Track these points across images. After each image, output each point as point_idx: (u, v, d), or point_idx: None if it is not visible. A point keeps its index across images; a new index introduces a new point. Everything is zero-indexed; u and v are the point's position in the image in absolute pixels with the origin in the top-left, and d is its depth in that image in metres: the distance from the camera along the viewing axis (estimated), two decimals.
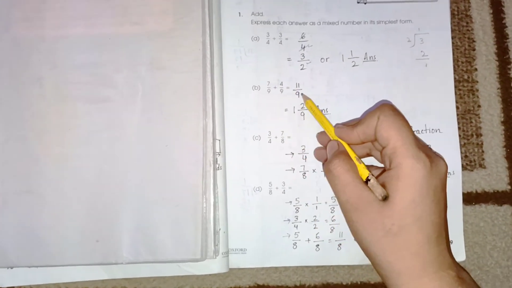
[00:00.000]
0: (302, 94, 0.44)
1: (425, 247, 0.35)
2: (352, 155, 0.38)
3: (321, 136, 0.43)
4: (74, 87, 0.43)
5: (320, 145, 0.44)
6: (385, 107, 0.37)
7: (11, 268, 0.41)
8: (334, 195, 0.38)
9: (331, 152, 0.39)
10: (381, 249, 0.35)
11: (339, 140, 0.40)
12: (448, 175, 0.43)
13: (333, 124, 0.42)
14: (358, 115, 0.44)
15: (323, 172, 0.44)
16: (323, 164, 0.43)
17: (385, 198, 0.35)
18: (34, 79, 0.43)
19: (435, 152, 0.37)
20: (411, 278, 0.34)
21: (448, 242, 0.36)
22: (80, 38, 0.43)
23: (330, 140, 0.41)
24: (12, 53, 0.43)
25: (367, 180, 0.36)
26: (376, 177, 0.37)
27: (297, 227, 0.43)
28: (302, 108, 0.44)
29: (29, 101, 0.42)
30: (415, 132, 0.44)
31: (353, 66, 0.45)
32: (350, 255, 0.43)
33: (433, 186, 0.35)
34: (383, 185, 0.36)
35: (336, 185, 0.37)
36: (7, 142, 0.42)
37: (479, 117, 0.46)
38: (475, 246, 0.44)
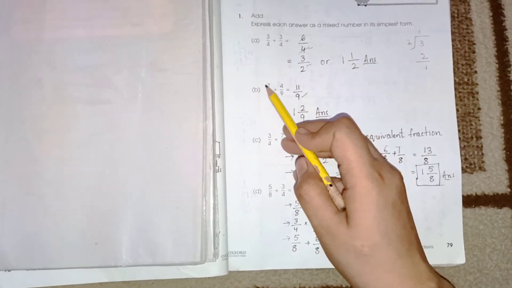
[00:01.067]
0: (266, 86, 0.44)
1: (398, 262, 0.34)
2: (317, 162, 0.39)
3: (287, 130, 0.42)
4: (74, 89, 0.42)
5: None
6: (341, 124, 0.36)
7: (9, 271, 0.41)
8: (308, 218, 0.38)
9: (300, 173, 0.39)
10: (356, 270, 0.35)
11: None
12: (448, 178, 0.43)
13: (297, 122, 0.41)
14: (358, 117, 0.43)
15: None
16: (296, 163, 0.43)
17: (344, 209, 0.36)
18: (34, 80, 0.42)
19: (389, 165, 0.37)
20: None
21: (422, 252, 0.36)
22: (80, 40, 0.43)
23: (298, 156, 0.41)
24: (12, 54, 0.43)
25: (329, 186, 0.37)
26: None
27: (296, 229, 0.43)
28: (302, 110, 0.44)
29: (29, 103, 0.42)
30: (415, 135, 0.44)
31: (353, 68, 0.45)
32: None
33: (391, 200, 0.35)
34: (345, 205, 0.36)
35: (308, 209, 0.37)
36: (6, 144, 0.42)
37: (479, 120, 0.46)
38: (475, 249, 0.44)
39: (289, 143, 0.42)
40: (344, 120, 0.37)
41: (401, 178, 0.37)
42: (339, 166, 0.37)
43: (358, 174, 0.35)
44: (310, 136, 0.39)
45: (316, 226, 0.37)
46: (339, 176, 0.39)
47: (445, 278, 0.36)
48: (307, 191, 0.37)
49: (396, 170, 0.37)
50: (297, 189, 0.38)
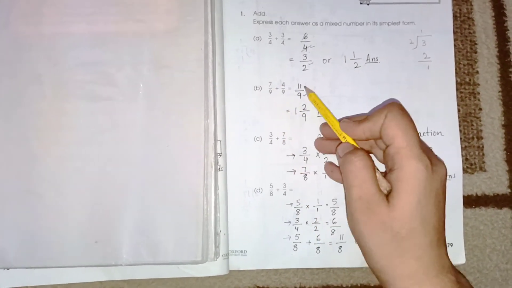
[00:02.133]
0: (305, 87, 0.44)
1: (427, 250, 0.35)
2: None
3: (325, 127, 0.42)
4: (75, 86, 0.42)
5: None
6: (394, 106, 0.37)
7: (8, 269, 0.41)
8: (346, 190, 0.37)
9: (345, 151, 0.38)
10: (387, 252, 0.35)
11: (345, 135, 0.39)
12: (448, 178, 0.43)
13: (338, 119, 0.41)
14: None
15: (324, 174, 0.43)
16: (325, 165, 0.43)
17: (389, 193, 0.35)
18: (34, 76, 0.42)
19: (436, 156, 0.37)
20: (414, 282, 0.34)
21: (446, 246, 0.36)
22: (81, 36, 0.43)
23: (338, 138, 0.40)
24: (12, 50, 0.42)
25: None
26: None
27: (297, 229, 0.43)
28: (304, 109, 0.44)
29: (29, 99, 0.42)
30: None
31: (356, 67, 0.45)
32: (351, 257, 0.43)
33: (435, 189, 0.35)
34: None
35: (354, 179, 0.36)
36: (6, 141, 0.41)
37: (480, 120, 0.46)
38: (475, 249, 0.44)
39: (325, 142, 0.42)
40: (396, 104, 0.37)
41: (446, 170, 0.37)
42: (387, 147, 0.36)
43: (409, 155, 0.35)
44: (356, 123, 0.38)
45: (356, 198, 0.36)
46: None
47: (462, 274, 0.37)
48: (361, 158, 0.36)
49: (442, 161, 0.37)
50: (350, 154, 0.37)
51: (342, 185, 0.43)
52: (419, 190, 0.34)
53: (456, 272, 0.36)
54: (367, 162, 0.36)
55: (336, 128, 0.40)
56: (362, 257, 0.42)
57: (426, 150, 0.36)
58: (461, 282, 0.35)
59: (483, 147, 0.45)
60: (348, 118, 0.42)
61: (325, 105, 0.42)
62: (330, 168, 0.43)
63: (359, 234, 0.36)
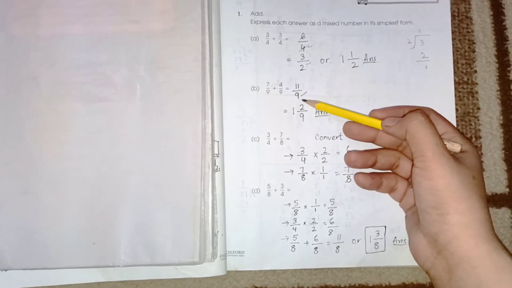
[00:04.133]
0: (304, 100, 0.44)
1: (486, 208, 0.36)
2: None
3: (349, 126, 0.43)
4: (72, 86, 0.42)
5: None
6: (416, 113, 0.38)
7: (6, 270, 0.41)
8: (412, 148, 0.38)
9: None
10: (459, 196, 0.35)
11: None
12: None
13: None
14: None
15: (322, 174, 0.43)
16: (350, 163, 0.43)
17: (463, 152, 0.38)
18: (31, 77, 0.42)
19: (467, 143, 0.39)
20: (484, 233, 0.35)
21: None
22: (78, 37, 0.42)
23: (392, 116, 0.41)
24: (8, 51, 0.42)
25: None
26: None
27: (295, 229, 0.43)
28: (301, 109, 0.44)
29: (26, 100, 0.42)
30: None
31: (353, 67, 0.45)
32: (348, 257, 0.43)
33: (467, 176, 0.36)
34: None
35: (421, 132, 0.37)
36: (3, 142, 0.41)
37: (478, 120, 0.45)
38: None
39: (354, 126, 0.43)
40: (419, 112, 0.39)
41: (476, 159, 0.38)
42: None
43: (436, 150, 0.36)
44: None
45: (430, 145, 0.36)
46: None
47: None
48: (425, 115, 0.38)
49: (472, 148, 0.39)
50: (413, 113, 0.38)
51: (339, 185, 0.43)
52: (455, 185, 0.35)
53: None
54: (428, 118, 0.38)
55: (362, 120, 0.41)
56: (360, 257, 0.43)
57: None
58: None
59: (481, 146, 0.45)
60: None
61: (337, 107, 0.42)
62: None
63: (431, 183, 0.36)
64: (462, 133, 0.40)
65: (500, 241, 0.35)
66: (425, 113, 0.39)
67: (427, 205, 0.37)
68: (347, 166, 0.43)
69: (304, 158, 0.44)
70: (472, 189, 0.36)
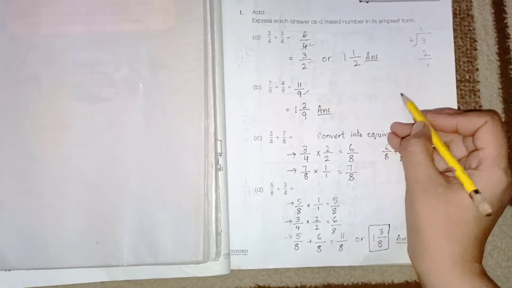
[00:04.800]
0: (402, 94, 0.44)
1: (470, 242, 0.37)
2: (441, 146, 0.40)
3: (398, 126, 0.43)
4: (73, 86, 0.42)
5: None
6: (496, 115, 0.39)
7: (9, 270, 0.40)
8: (404, 172, 0.40)
9: (414, 132, 0.41)
10: (436, 232, 0.37)
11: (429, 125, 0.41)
12: None
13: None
14: (361, 114, 0.44)
15: (325, 172, 0.43)
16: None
17: (489, 215, 0.36)
18: (31, 77, 0.42)
19: None
20: (453, 263, 0.37)
21: (482, 255, 0.39)
22: (79, 36, 0.42)
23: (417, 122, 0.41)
24: (9, 51, 0.42)
25: (476, 192, 0.36)
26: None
27: (298, 228, 0.43)
28: (303, 107, 0.44)
29: (26, 100, 0.41)
30: None
31: (355, 65, 0.45)
32: (352, 256, 0.43)
33: (503, 199, 0.37)
34: None
35: (408, 162, 0.39)
36: (4, 142, 0.41)
37: None
38: None
39: (397, 139, 0.43)
40: (498, 114, 0.40)
41: None
42: (475, 150, 0.38)
43: (497, 164, 0.37)
44: (447, 115, 0.41)
45: (412, 179, 0.39)
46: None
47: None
48: (413, 144, 0.39)
49: None
50: (405, 141, 0.40)
51: (342, 183, 0.43)
52: (490, 196, 0.36)
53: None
54: (421, 146, 0.39)
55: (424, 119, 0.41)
56: (363, 255, 0.43)
57: (510, 166, 0.38)
58: (484, 271, 0.38)
59: None
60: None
61: (422, 114, 0.42)
62: (392, 138, 0.44)
63: (412, 212, 0.39)
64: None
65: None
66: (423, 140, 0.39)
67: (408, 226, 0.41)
68: (350, 164, 0.43)
69: (307, 157, 0.44)
70: (455, 224, 0.37)
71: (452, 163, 0.38)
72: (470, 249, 0.37)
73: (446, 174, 0.39)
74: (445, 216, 0.37)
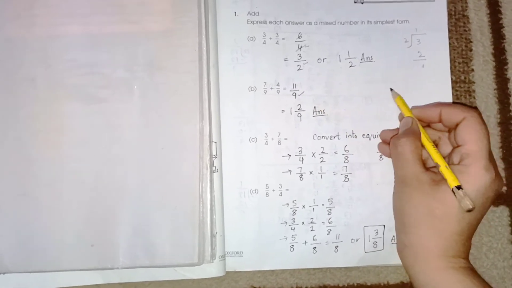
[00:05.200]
0: (391, 89, 0.44)
1: (454, 237, 0.38)
2: (428, 142, 0.40)
3: (388, 133, 0.43)
4: (70, 88, 0.42)
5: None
6: (476, 112, 0.39)
7: (4, 273, 0.40)
8: (394, 169, 0.41)
9: (403, 129, 0.41)
10: (419, 226, 0.38)
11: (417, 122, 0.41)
12: None
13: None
14: (356, 116, 0.44)
15: (320, 174, 0.43)
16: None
17: (469, 211, 0.36)
18: (27, 79, 0.42)
19: (498, 170, 0.39)
20: (436, 256, 0.38)
21: (469, 250, 0.39)
22: (75, 37, 0.42)
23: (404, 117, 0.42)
24: (5, 52, 0.42)
25: (459, 187, 0.37)
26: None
27: (294, 229, 0.43)
28: (299, 109, 0.44)
29: (23, 102, 0.41)
30: None
31: (350, 66, 0.45)
32: (347, 257, 0.43)
33: (487, 196, 0.38)
34: None
35: (397, 160, 0.40)
36: (1, 144, 0.41)
37: None
38: (472, 247, 0.44)
39: (387, 147, 0.43)
40: (477, 111, 0.40)
41: (502, 186, 0.40)
42: (458, 146, 0.39)
43: (479, 158, 0.37)
44: (436, 106, 0.41)
45: (400, 176, 0.40)
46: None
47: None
48: (403, 144, 0.39)
49: (501, 177, 0.39)
50: (395, 139, 0.40)
51: (337, 185, 0.43)
52: (473, 191, 0.37)
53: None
54: (410, 145, 0.39)
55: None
56: (359, 256, 0.43)
57: (493, 162, 0.38)
58: (471, 266, 0.38)
59: None
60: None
61: (409, 109, 0.42)
62: (382, 147, 0.44)
63: (400, 205, 0.40)
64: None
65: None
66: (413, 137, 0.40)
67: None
68: (345, 165, 0.43)
69: (302, 158, 0.44)
70: (438, 219, 0.37)
71: (437, 159, 0.39)
72: (454, 245, 0.38)
73: (433, 171, 0.39)
74: (429, 212, 0.37)
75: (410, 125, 0.40)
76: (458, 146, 0.39)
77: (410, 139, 0.39)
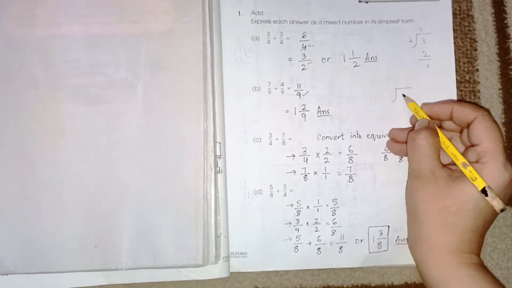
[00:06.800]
0: (404, 95, 0.44)
1: (468, 233, 0.38)
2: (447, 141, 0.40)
3: (397, 132, 0.43)
4: (71, 88, 0.41)
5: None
6: (486, 111, 0.39)
7: (7, 275, 0.40)
8: (409, 162, 0.41)
9: (420, 126, 0.41)
10: (432, 222, 0.38)
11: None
12: None
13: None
14: (360, 116, 0.44)
15: (324, 174, 0.43)
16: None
17: (502, 211, 0.37)
18: (28, 80, 0.41)
19: None
20: (447, 252, 0.38)
21: (481, 247, 0.39)
22: (76, 38, 0.42)
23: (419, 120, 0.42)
24: (6, 53, 0.42)
25: (484, 190, 0.37)
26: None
27: (298, 230, 0.43)
28: (303, 109, 0.44)
29: (24, 103, 0.41)
30: None
31: (355, 66, 0.44)
32: (351, 257, 0.43)
33: (505, 194, 0.38)
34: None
35: (415, 154, 0.40)
36: (2, 146, 0.41)
37: None
38: None
39: (396, 145, 0.43)
40: (487, 110, 0.42)
41: None
42: (472, 145, 0.39)
43: (497, 156, 0.37)
44: (448, 103, 0.41)
45: (416, 170, 0.40)
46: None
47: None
48: (422, 137, 0.39)
49: None
50: (413, 133, 0.40)
51: (341, 185, 0.43)
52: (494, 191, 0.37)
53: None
54: (429, 140, 0.39)
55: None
56: (363, 257, 0.43)
57: (510, 160, 0.38)
58: (482, 262, 0.38)
59: None
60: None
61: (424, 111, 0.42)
62: (391, 144, 0.44)
63: (413, 200, 0.40)
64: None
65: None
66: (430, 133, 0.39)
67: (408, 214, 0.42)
68: (350, 165, 0.43)
69: (306, 159, 0.43)
70: (452, 215, 0.38)
71: (460, 157, 0.39)
72: (467, 241, 0.38)
73: (449, 167, 0.39)
74: (444, 207, 0.38)
75: (427, 124, 0.40)
76: (472, 145, 0.39)
77: (430, 132, 0.39)
